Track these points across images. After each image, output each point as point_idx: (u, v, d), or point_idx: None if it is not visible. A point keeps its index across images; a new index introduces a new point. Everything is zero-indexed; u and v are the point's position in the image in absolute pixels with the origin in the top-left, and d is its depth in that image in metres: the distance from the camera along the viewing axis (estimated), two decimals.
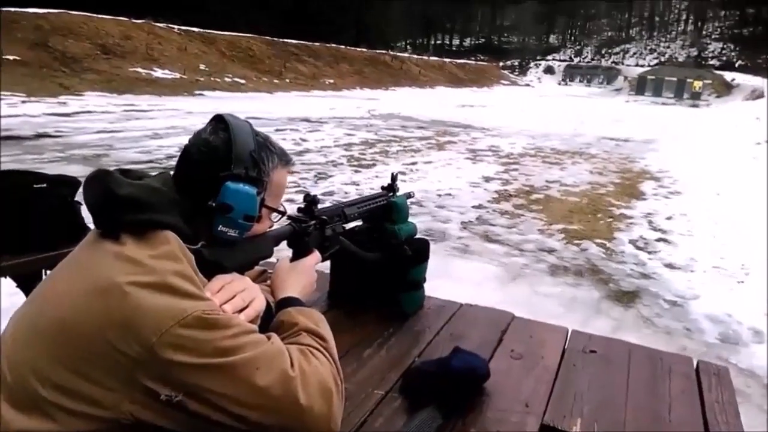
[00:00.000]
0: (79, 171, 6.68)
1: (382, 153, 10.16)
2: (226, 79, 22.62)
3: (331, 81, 29.54)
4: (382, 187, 1.72)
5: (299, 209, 1.34)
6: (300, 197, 1.40)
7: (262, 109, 15.43)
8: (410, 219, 1.64)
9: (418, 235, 1.66)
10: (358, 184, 7.55)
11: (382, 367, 1.26)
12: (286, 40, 32.40)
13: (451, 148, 11.50)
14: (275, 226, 1.25)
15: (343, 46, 37.98)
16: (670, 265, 5.13)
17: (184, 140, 1.14)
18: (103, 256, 0.94)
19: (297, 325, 1.09)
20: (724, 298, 4.42)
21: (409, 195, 1.86)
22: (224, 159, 1.05)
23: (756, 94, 39.21)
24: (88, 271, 0.94)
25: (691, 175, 9.93)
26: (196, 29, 27.40)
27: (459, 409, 1.12)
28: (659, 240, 5.90)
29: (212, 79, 21.91)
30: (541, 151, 12.10)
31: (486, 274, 4.62)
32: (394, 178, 1.74)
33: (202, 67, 22.91)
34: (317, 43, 34.98)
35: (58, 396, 0.87)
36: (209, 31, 28.36)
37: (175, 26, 26.46)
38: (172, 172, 1.11)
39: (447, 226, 5.89)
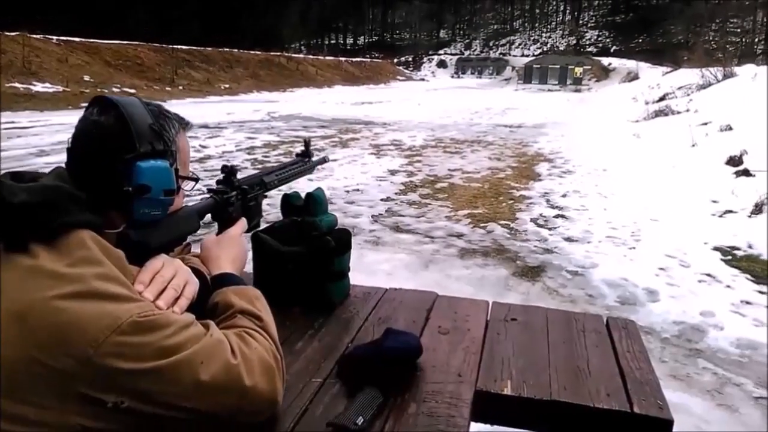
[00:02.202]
0: None
1: (286, 154, 10.06)
2: (114, 90, 21.47)
3: (227, 86, 28.80)
4: (297, 155, 1.72)
5: (218, 181, 1.32)
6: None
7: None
8: None
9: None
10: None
11: (316, 357, 1.27)
12: (175, 46, 31.23)
13: (354, 145, 11.58)
14: (191, 200, 1.21)
15: (236, 50, 37.12)
16: (569, 239, 5.45)
17: None
18: (14, 274, 0.86)
19: (233, 307, 1.09)
20: (620, 264, 4.76)
21: (324, 159, 1.89)
22: (125, 139, 0.98)
23: (631, 77, 42.14)
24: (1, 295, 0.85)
25: (580, 155, 10.56)
26: (77, 39, 25.79)
27: (397, 386, 1.16)
28: (557, 216, 6.25)
29: (98, 90, 20.71)
30: (441, 142, 12.43)
31: (398, 264, 4.71)
32: (307, 144, 1.74)
33: (86, 78, 21.63)
34: (209, 48, 33.98)
35: (6, 424, 0.83)
36: (92, 40, 26.81)
37: (53, 37, 24.78)
38: (63, 166, 1.03)
39: (358, 220, 5.94)
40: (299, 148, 1.71)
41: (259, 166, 8.77)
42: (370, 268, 4.61)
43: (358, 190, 7.41)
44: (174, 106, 16.62)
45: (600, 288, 4.29)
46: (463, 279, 4.45)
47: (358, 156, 10.20)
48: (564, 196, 7.28)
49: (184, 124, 1.14)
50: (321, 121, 16.21)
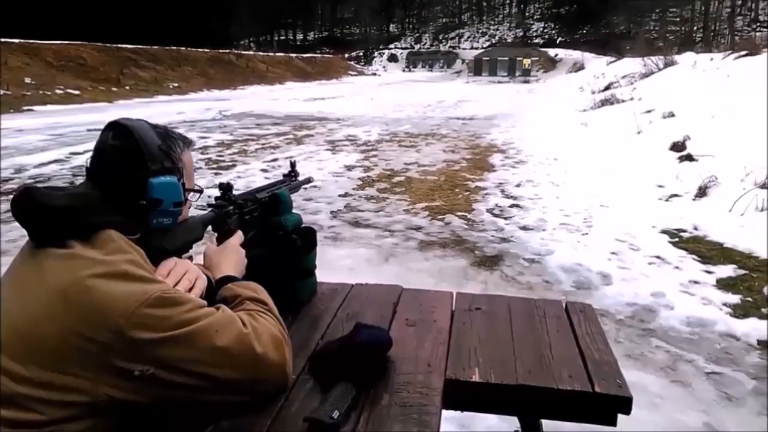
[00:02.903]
0: None
1: (241, 153, 9.94)
2: (57, 92, 20.74)
3: (176, 84, 28.17)
4: (284, 175, 1.82)
5: (217, 197, 1.47)
6: None
7: (103, 119, 14.13)
8: None
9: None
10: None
11: None
12: (120, 45, 30.33)
13: (309, 142, 11.52)
14: (194, 211, 1.37)
15: (183, 48, 36.29)
16: (524, 228, 5.57)
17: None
18: (52, 262, 1.02)
19: (239, 296, 1.23)
20: (574, 251, 4.90)
21: (309, 180, 1.97)
22: (138, 159, 1.14)
23: (577, 67, 43.19)
24: (39, 278, 1.00)
25: (531, 145, 10.77)
26: (15, 40, 24.75)
27: (369, 379, 1.18)
28: (512, 206, 6.38)
29: (41, 92, 19.99)
30: (396, 136, 12.49)
31: (359, 259, 4.74)
32: (293, 165, 1.92)
33: (27, 80, 20.78)
34: (155, 46, 33.13)
35: (35, 390, 0.94)
36: (31, 41, 25.78)
37: None
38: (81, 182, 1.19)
39: (317, 217, 5.94)
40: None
41: (214, 166, 8.66)
42: (332, 264, 4.61)
43: (315, 186, 7.37)
44: (121, 107, 16.16)
45: (556, 274, 4.41)
46: (424, 271, 4.50)
47: (314, 152, 10.16)
48: (518, 185, 7.43)
49: (188, 143, 1.30)
50: (274, 119, 16.04)
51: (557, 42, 78.87)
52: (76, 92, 21.06)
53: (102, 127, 1.21)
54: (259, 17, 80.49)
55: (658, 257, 4.66)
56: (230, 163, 8.99)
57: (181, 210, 1.22)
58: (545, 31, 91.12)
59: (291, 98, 24.79)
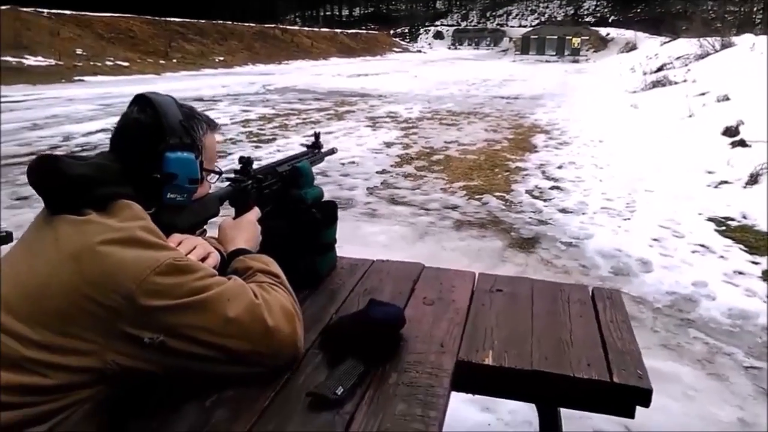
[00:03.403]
0: None
1: (282, 127, 9.99)
2: (108, 63, 21.22)
3: (221, 58, 28.46)
4: (307, 146, 1.78)
5: (236, 171, 1.44)
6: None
7: (151, 90, 14.56)
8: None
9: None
10: (260, 160, 7.39)
11: None
12: (168, 18, 30.75)
13: (350, 118, 11.49)
14: (213, 188, 1.36)
15: (230, 22, 36.58)
16: (564, 210, 5.44)
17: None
18: (67, 227, 1.02)
19: (251, 268, 1.23)
20: (614, 235, 4.76)
21: (332, 151, 1.94)
22: (158, 133, 1.14)
23: (629, 47, 41.75)
24: (54, 242, 1.01)
25: (577, 126, 10.50)
26: (67, 12, 25.38)
27: (379, 356, 1.16)
28: (553, 188, 6.24)
29: (91, 63, 20.48)
30: (438, 113, 12.34)
31: (393, 236, 4.71)
32: (317, 136, 1.86)
33: (78, 51, 21.32)
34: (203, 20, 33.48)
35: (41, 353, 0.94)
36: (83, 13, 26.37)
37: (44, 10, 24.38)
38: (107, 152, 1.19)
39: (353, 193, 5.93)
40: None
41: (255, 140, 8.73)
42: (366, 240, 4.62)
43: (353, 162, 7.37)
44: (168, 80, 16.46)
45: (594, 259, 4.30)
46: (459, 250, 4.45)
47: (353, 128, 10.13)
48: (560, 167, 7.25)
49: (213, 126, 1.30)
50: (316, 94, 16.07)
51: (609, 21, 76.36)
52: (126, 64, 21.50)
53: None
54: None
55: (702, 245, 4.49)
56: (270, 137, 9.04)
57: (196, 188, 1.21)
58: (597, 9, 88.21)
59: (334, 74, 24.76)
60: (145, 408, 1.00)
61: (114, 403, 0.99)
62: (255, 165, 1.49)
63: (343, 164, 7.22)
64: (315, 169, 1.68)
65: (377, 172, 6.85)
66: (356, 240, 4.61)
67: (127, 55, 22.99)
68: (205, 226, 1.45)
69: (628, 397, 1.12)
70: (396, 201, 5.71)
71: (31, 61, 18.58)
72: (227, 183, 1.40)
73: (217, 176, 1.32)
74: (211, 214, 1.29)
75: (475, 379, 1.20)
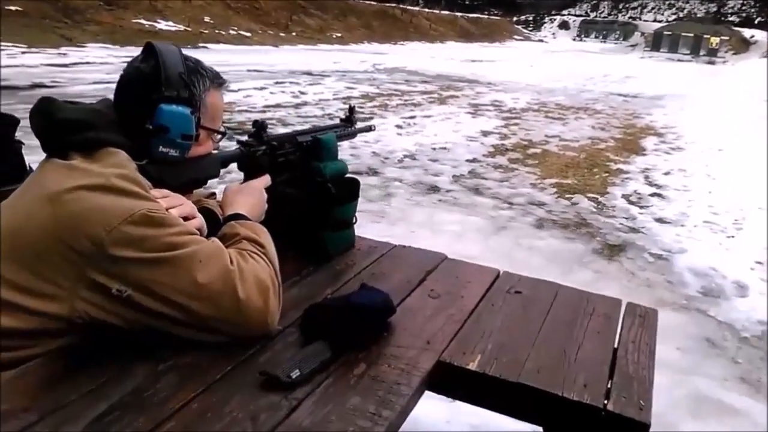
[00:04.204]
0: None
1: (381, 107, 10.01)
2: (231, 32, 22.26)
3: (339, 35, 29.00)
4: (341, 119, 1.73)
5: (249, 134, 1.40)
6: None
7: (266, 62, 15.19)
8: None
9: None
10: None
11: (288, 305, 1.22)
12: None
13: (452, 103, 11.31)
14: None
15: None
16: (660, 219, 5.06)
17: None
18: (51, 170, 1.03)
19: (238, 234, 1.17)
20: (712, 253, 4.36)
21: (370, 128, 1.88)
22: (155, 83, 1.11)
23: None
24: (37, 184, 1.02)
25: (696, 132, 9.72)
26: None
27: (352, 345, 1.09)
28: (653, 195, 5.81)
29: (216, 31, 21.57)
30: (545, 106, 11.87)
31: (468, 227, 4.57)
32: (351, 109, 1.78)
33: (206, 19, 22.53)
34: None
35: (15, 295, 0.95)
36: None
37: None
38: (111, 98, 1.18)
39: (438, 179, 5.82)
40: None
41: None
42: (439, 228, 4.52)
43: (445, 148, 7.24)
44: (284, 51, 17.01)
45: (683, 275, 3.96)
46: (534, 249, 4.25)
47: (453, 114, 9.96)
48: (667, 173, 6.75)
49: (219, 82, 1.25)
50: (424, 77, 15.95)
51: (755, 22, 69.85)
52: (248, 34, 22.42)
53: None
54: None
55: None
56: (368, 116, 9.08)
57: (190, 144, 1.17)
58: (743, 8, 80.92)
59: (448, 58, 24.49)
60: (97, 359, 0.99)
61: (69, 351, 0.99)
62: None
63: (434, 149, 7.12)
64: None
65: (467, 161, 6.69)
66: (429, 226, 4.53)
67: (250, 25, 23.98)
68: (213, 189, 1.45)
69: (619, 429, 0.98)
70: (480, 192, 5.55)
71: (162, 25, 19.85)
72: (237, 146, 1.37)
73: (221, 136, 1.28)
74: (208, 174, 1.25)
75: (455, 383, 1.10)
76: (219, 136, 1.28)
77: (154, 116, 1.10)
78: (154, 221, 0.99)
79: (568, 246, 4.38)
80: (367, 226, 4.32)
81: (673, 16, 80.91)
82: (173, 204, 1.11)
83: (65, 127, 1.05)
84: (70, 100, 1.15)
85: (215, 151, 1.30)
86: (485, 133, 8.41)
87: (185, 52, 1.21)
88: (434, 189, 5.48)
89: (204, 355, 1.03)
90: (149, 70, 1.13)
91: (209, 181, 1.30)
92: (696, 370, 2.78)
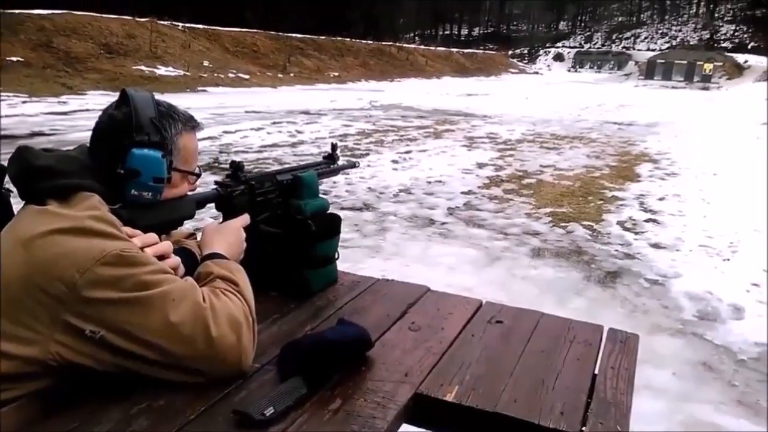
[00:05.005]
0: None
1: (378, 143, 10.12)
2: (230, 75, 22.64)
3: (336, 74, 29.47)
4: (324, 157, 1.76)
5: (227, 175, 1.43)
6: None
7: (263, 102, 15.43)
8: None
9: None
10: (347, 173, 7.52)
11: (267, 342, 1.23)
12: (290, 34, 32.32)
13: (448, 137, 11.43)
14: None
15: (348, 39, 37.83)
16: (656, 245, 5.06)
17: None
18: (26, 216, 1.06)
19: (212, 273, 1.18)
20: (708, 276, 4.36)
21: (354, 164, 1.90)
22: (127, 128, 1.15)
23: None
24: (12, 231, 1.04)
25: (691, 157, 9.80)
26: (200, 26, 27.42)
27: (328, 380, 1.10)
28: (648, 221, 5.83)
29: (216, 75, 21.94)
30: (540, 136, 11.99)
31: (463, 259, 4.58)
32: (334, 147, 1.81)
33: (205, 63, 22.94)
34: (323, 37, 34.87)
35: None
36: (214, 27, 28.37)
37: (179, 23, 26.51)
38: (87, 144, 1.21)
39: (433, 212, 5.85)
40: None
41: (348, 154, 8.89)
42: (433, 261, 4.53)
43: (440, 181, 7.30)
44: (282, 92, 17.30)
45: (678, 300, 3.96)
46: (529, 279, 4.26)
47: (448, 147, 10.06)
48: (661, 199, 6.78)
49: (192, 125, 1.29)
50: (420, 112, 16.15)
51: (748, 47, 70.84)
52: (246, 76, 22.80)
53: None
54: (426, 11, 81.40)
55: None
56: (364, 152, 9.17)
57: (162, 187, 1.19)
58: (736, 34, 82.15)
59: (444, 93, 24.82)
60: (73, 402, 1.00)
61: (45, 394, 1.00)
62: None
63: (429, 182, 7.17)
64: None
65: (462, 193, 6.74)
66: (423, 259, 4.54)
67: (248, 68, 24.41)
68: (191, 229, 1.47)
69: None
70: (475, 223, 5.58)
71: (162, 70, 20.20)
72: (213, 187, 1.39)
73: (196, 177, 1.31)
74: (183, 215, 1.27)
75: (433, 415, 1.10)
76: (195, 178, 1.31)
77: (125, 160, 1.14)
78: (127, 261, 1.01)
79: (563, 275, 4.38)
80: (362, 261, 4.36)
81: (666, 45, 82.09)
82: (147, 242, 1.12)
83: (40, 174, 1.08)
84: (46, 148, 1.18)
85: (191, 193, 1.32)
86: (480, 165, 8.48)
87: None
88: (429, 222, 5.51)
89: (178, 396, 1.03)
90: (122, 116, 1.16)
91: (189, 222, 1.33)
92: (692, 395, 2.76)
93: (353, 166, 1.91)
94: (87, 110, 12.27)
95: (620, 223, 5.71)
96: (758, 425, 2.58)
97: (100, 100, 14.75)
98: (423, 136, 11.35)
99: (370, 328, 1.24)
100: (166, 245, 1.19)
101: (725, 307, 3.83)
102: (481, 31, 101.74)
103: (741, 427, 2.55)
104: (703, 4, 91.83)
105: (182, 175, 1.26)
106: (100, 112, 1.23)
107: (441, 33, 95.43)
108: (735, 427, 2.55)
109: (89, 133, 1.22)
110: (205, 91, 18.93)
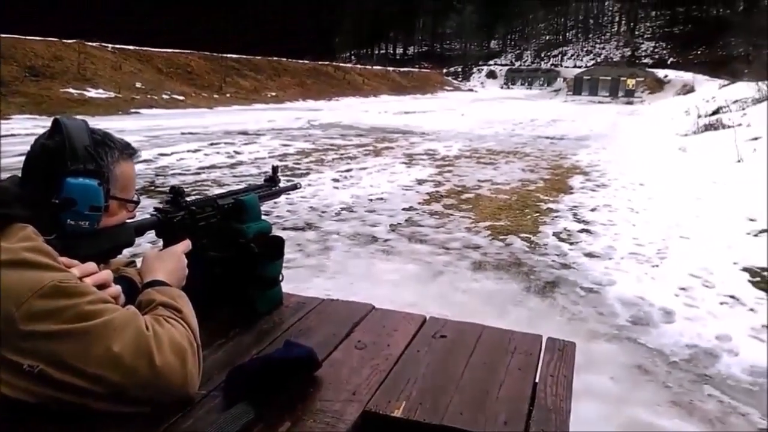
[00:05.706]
0: None
1: (318, 162, 10.12)
2: (164, 96, 22.17)
3: (273, 94, 29.33)
4: (265, 179, 1.76)
5: (166, 201, 1.40)
6: None
7: (200, 123, 15.19)
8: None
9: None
10: (289, 193, 7.47)
11: (213, 368, 1.22)
12: (225, 54, 31.99)
13: (387, 154, 11.55)
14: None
15: (284, 59, 37.76)
16: (590, 254, 5.26)
17: None
18: None
19: (154, 301, 1.16)
20: (639, 283, 4.56)
21: (295, 186, 1.91)
22: (61, 157, 1.12)
23: (687, 89, 40.95)
24: None
25: (619, 168, 10.24)
26: (131, 47, 26.78)
27: (276, 403, 1.10)
28: (582, 231, 6.05)
29: (149, 96, 21.44)
30: (477, 152, 12.28)
31: (406, 274, 4.63)
32: (275, 169, 1.80)
33: (138, 85, 22.39)
34: (258, 57, 34.68)
35: None
36: (145, 48, 27.76)
37: (109, 45, 25.80)
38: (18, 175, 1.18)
39: (375, 229, 5.89)
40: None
41: (288, 173, 8.85)
42: (377, 278, 4.56)
43: (381, 198, 7.36)
44: (218, 113, 17.04)
45: (613, 306, 4.12)
46: (471, 292, 4.34)
47: (388, 165, 10.16)
48: (593, 210, 7.05)
49: (129, 153, 1.27)
50: (359, 130, 16.26)
51: (668, 63, 75.04)
52: (181, 98, 22.38)
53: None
54: (362, 31, 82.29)
55: (732, 297, 4.24)
56: (305, 171, 9.15)
57: (99, 215, 1.17)
58: (656, 51, 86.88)
59: (381, 111, 25.07)
60: None
61: None
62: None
63: (370, 200, 7.22)
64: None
65: (403, 209, 6.81)
66: (367, 277, 4.56)
67: (183, 89, 23.96)
68: (132, 258, 1.44)
69: None
70: (417, 239, 5.64)
71: (92, 93, 19.57)
72: (153, 213, 1.37)
73: (135, 204, 1.29)
74: (122, 243, 1.25)
75: (383, 431, 1.12)
76: (133, 205, 1.29)
77: (60, 190, 1.11)
78: (66, 292, 0.99)
79: (502, 286, 4.49)
80: (306, 281, 4.34)
81: (592, 62, 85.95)
82: (86, 272, 1.10)
83: None
84: None
85: (130, 220, 1.30)
86: (420, 182, 8.61)
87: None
88: (372, 239, 5.54)
89: (123, 428, 1.01)
90: (54, 145, 1.14)
91: (128, 250, 1.30)
92: (629, 397, 2.88)
93: (295, 187, 1.92)
94: (12, 135, 11.74)
95: (556, 234, 5.90)
96: (690, 424, 2.70)
97: (26, 124, 14.15)
98: (363, 154, 11.43)
99: (316, 348, 1.25)
100: (106, 274, 1.16)
101: (656, 312, 4.01)
102: (416, 50, 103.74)
103: (675, 427, 2.67)
104: (624, 22, 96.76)
105: (120, 203, 1.24)
106: (26, 137, 1.19)
107: (377, 52, 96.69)
108: (670, 427, 2.67)
109: (15, 159, 1.18)
110: (138, 113, 18.45)
